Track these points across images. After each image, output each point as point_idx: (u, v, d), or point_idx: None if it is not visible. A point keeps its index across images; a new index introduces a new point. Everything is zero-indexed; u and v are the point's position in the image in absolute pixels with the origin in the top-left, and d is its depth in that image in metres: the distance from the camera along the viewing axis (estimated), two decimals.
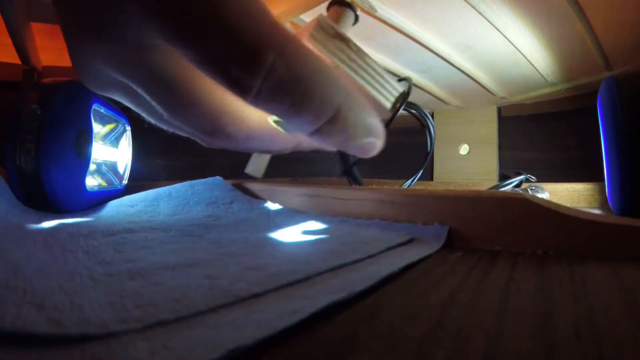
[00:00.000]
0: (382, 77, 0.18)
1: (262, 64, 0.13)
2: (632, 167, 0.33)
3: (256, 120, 0.17)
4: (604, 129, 0.41)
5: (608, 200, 0.42)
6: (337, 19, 0.19)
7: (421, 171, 0.46)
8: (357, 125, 0.15)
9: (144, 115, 0.19)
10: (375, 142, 0.16)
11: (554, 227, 0.20)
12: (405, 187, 0.47)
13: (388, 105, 0.19)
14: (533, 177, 0.53)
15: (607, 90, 0.37)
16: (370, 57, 0.18)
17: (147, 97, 0.16)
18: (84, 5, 0.14)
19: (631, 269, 0.16)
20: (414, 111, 0.45)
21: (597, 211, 0.48)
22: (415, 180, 0.47)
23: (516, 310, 0.12)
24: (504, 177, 0.54)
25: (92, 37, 0.15)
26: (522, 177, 0.51)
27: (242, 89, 0.13)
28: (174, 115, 0.16)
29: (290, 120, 0.14)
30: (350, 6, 0.19)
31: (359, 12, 0.21)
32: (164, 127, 0.19)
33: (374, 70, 0.18)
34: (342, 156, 0.48)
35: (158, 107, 0.16)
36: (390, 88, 0.19)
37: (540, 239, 0.21)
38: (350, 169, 0.46)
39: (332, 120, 0.14)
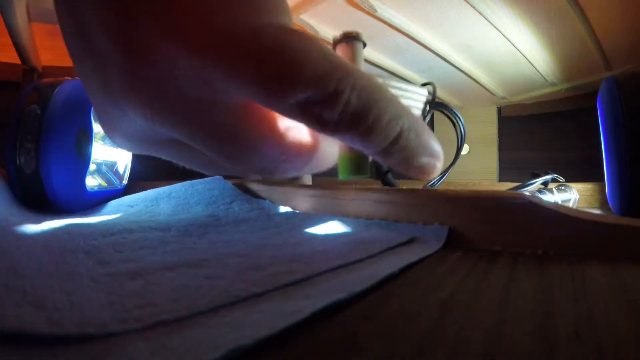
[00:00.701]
0: (407, 90, 0.20)
1: (339, 99, 0.14)
2: (632, 167, 0.33)
3: (311, 150, 0.18)
4: (603, 129, 0.41)
5: (608, 200, 0.42)
6: (350, 53, 0.20)
7: (451, 168, 0.46)
8: (417, 145, 0.16)
9: (187, 165, 0.19)
10: (435, 163, 0.17)
11: (554, 227, 0.20)
12: (430, 185, 0.47)
13: (418, 113, 0.20)
14: (561, 178, 0.52)
15: (607, 90, 0.37)
16: (392, 79, 0.19)
17: (206, 151, 0.16)
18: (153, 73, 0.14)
19: (631, 269, 0.16)
20: (444, 111, 0.45)
21: (597, 211, 0.48)
22: (444, 178, 0.47)
23: (516, 310, 0.12)
24: (534, 175, 0.53)
25: (158, 98, 0.15)
26: (547, 177, 0.51)
27: (321, 125, 0.14)
28: (234, 163, 0.17)
29: (359, 144, 0.15)
30: (357, 38, 0.19)
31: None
32: (207, 173, 0.20)
33: (399, 89, 0.20)
34: (376, 163, 0.49)
35: (217, 158, 0.17)
36: (416, 97, 0.20)
37: (540, 239, 0.21)
38: (385, 174, 0.46)
39: (396, 141, 0.15)
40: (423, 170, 0.17)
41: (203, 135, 0.16)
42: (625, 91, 0.34)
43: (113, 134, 0.17)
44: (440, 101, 0.41)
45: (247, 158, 0.17)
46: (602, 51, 0.49)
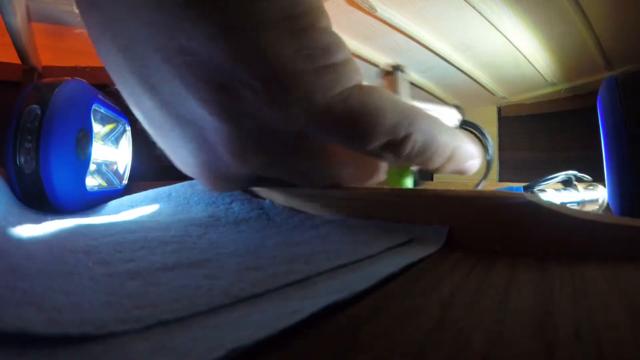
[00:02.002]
0: (441, 113, 0.25)
1: (408, 141, 0.17)
2: (632, 167, 0.33)
3: (375, 171, 0.23)
4: (603, 129, 0.41)
5: (608, 200, 0.42)
6: (394, 83, 0.24)
7: (484, 181, 0.46)
8: (463, 157, 0.21)
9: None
10: (475, 162, 0.22)
11: (554, 227, 0.20)
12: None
13: None
14: (587, 177, 0.51)
15: (607, 90, 0.37)
16: (427, 102, 0.25)
17: (294, 181, 0.22)
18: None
19: (631, 269, 0.16)
20: (473, 130, 0.45)
21: (597, 211, 0.48)
22: (480, 186, 0.47)
23: (516, 310, 0.12)
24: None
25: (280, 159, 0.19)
26: (567, 173, 0.49)
27: (394, 160, 0.19)
28: (314, 185, 0.22)
29: (421, 167, 0.20)
30: (399, 68, 0.24)
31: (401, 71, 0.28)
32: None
33: (434, 111, 0.25)
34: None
35: (299, 183, 0.22)
36: (450, 118, 0.27)
37: (540, 239, 0.21)
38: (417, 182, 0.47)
39: (449, 159, 0.20)
40: (467, 171, 0.21)
41: (299, 174, 0.20)
42: (625, 90, 0.34)
43: (214, 185, 0.22)
44: (469, 121, 0.41)
45: (326, 181, 0.21)
46: (602, 51, 0.49)
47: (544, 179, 0.48)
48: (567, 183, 0.49)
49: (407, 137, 0.17)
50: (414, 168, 0.22)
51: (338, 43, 0.17)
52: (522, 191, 0.48)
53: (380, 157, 0.18)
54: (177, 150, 0.20)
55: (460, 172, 0.21)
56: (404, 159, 0.18)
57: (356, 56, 0.55)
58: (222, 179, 0.20)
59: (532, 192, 0.47)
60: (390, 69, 0.23)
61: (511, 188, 0.50)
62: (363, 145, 0.17)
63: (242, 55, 0.15)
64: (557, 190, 0.46)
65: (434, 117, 0.18)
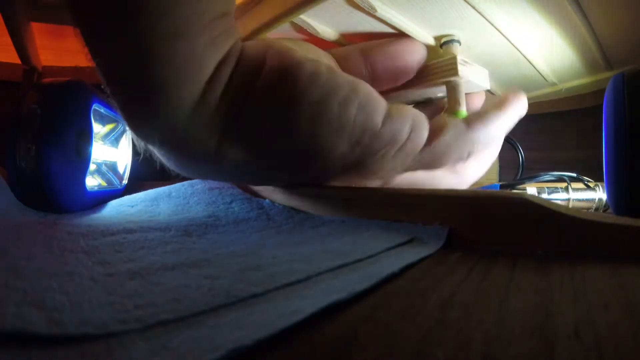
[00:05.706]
0: None
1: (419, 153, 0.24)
2: (632, 166, 0.33)
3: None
4: (605, 127, 0.41)
5: (608, 200, 0.42)
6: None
7: (518, 177, 0.47)
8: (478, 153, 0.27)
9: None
10: (493, 153, 0.29)
11: (554, 227, 0.20)
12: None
13: None
14: (589, 179, 0.49)
15: (612, 87, 0.37)
16: None
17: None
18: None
19: (631, 268, 0.16)
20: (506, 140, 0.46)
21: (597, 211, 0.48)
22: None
23: (516, 310, 0.12)
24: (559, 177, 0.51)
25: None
26: (546, 174, 0.48)
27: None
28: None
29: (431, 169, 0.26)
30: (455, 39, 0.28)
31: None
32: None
33: None
34: None
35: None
36: None
37: (540, 239, 0.21)
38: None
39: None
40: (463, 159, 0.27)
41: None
42: (630, 88, 0.34)
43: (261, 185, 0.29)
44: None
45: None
46: (602, 51, 0.49)
47: (522, 178, 0.48)
48: (560, 183, 0.49)
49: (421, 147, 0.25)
50: None
51: None
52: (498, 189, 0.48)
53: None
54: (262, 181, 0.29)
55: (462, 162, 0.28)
56: (417, 167, 0.26)
57: None
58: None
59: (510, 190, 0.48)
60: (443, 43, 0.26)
61: (489, 187, 0.50)
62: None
63: None
64: (538, 190, 0.46)
65: (449, 130, 0.26)
